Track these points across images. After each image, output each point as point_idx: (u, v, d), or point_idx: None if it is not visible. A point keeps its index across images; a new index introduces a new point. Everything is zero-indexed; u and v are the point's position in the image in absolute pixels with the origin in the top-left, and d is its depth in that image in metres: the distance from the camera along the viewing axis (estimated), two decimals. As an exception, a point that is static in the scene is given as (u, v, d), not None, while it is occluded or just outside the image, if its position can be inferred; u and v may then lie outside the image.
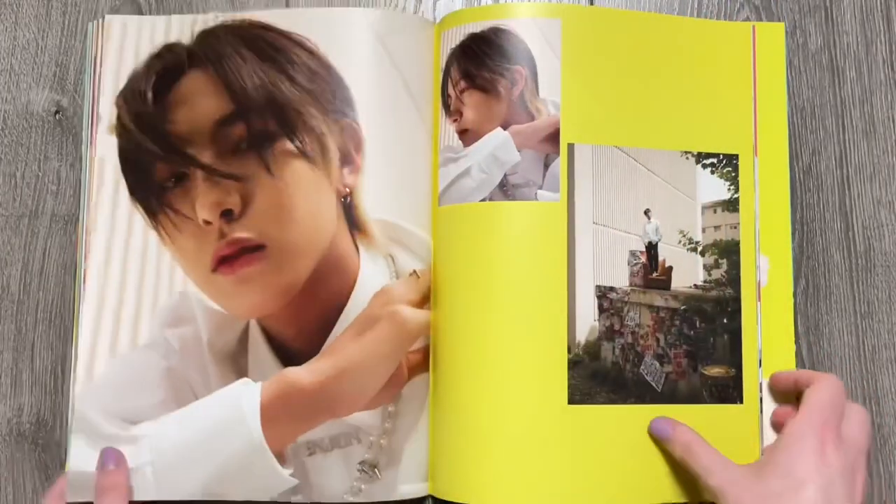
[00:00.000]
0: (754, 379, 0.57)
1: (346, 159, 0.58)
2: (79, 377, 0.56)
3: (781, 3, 0.63)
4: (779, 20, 0.63)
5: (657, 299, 0.58)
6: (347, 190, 0.58)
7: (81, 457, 0.55)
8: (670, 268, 0.58)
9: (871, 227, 0.61)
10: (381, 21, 0.59)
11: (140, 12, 0.63)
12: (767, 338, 0.58)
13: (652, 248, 0.58)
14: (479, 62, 0.58)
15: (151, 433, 0.55)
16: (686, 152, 0.59)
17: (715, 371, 0.57)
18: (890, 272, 0.60)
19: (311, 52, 0.59)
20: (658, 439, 0.55)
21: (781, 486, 0.48)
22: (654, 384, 0.57)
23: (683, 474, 0.55)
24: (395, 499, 0.56)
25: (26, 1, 0.63)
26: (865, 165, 0.61)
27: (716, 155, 0.59)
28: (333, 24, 0.59)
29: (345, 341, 0.55)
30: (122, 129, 0.59)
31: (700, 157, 0.59)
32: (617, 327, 0.57)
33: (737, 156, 0.59)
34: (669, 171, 0.59)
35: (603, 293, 0.57)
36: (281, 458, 0.54)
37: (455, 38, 0.59)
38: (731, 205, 0.59)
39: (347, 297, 0.57)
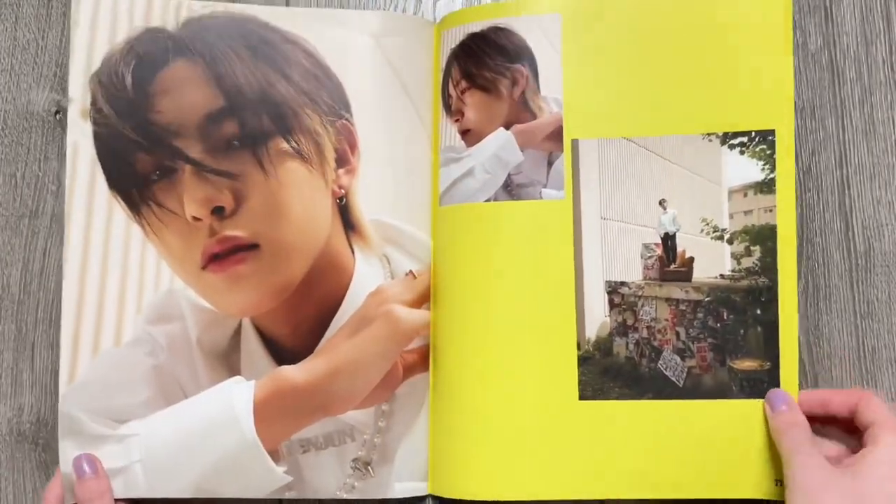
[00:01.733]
0: (793, 372, 0.55)
1: (342, 160, 0.58)
2: (62, 377, 0.56)
3: (781, 2, 0.63)
4: (779, 20, 0.62)
5: (676, 292, 0.57)
6: (342, 191, 0.58)
7: (70, 460, 0.54)
8: (691, 258, 0.57)
9: (871, 227, 0.60)
10: (378, 22, 0.59)
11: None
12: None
13: (669, 240, 0.57)
14: (479, 62, 0.58)
15: (140, 431, 0.55)
16: (708, 134, 0.56)
17: (746, 364, 0.55)
18: (890, 272, 0.60)
19: (308, 53, 0.59)
20: (767, 410, 0.54)
21: (877, 491, 0.47)
22: (674, 379, 0.56)
23: (698, 470, 0.55)
24: (389, 497, 0.56)
25: (26, 1, 0.63)
26: (865, 165, 0.61)
27: (746, 133, 0.56)
28: (331, 24, 0.59)
29: (339, 341, 0.55)
30: (98, 115, 0.57)
31: (726, 137, 0.56)
32: (630, 322, 0.57)
33: (773, 131, 0.55)
34: (688, 156, 0.56)
35: (614, 288, 0.57)
36: (275, 456, 0.55)
37: (455, 37, 0.59)
38: (766, 186, 0.55)
39: (342, 297, 0.57)
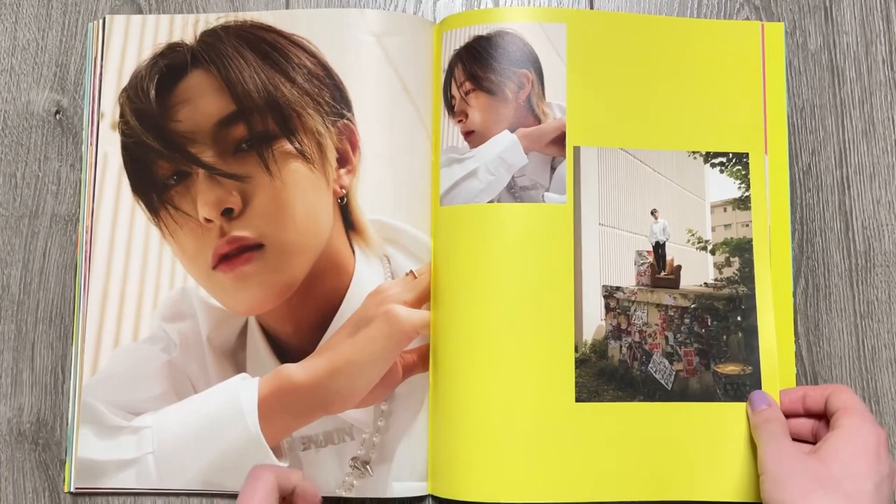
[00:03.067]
0: (774, 377, 0.57)
1: (343, 160, 0.58)
2: (85, 369, 0.58)
3: (781, 3, 0.63)
4: (779, 20, 0.63)
5: (665, 298, 0.58)
6: (344, 191, 0.58)
7: (89, 446, 0.57)
8: (679, 267, 0.58)
9: (871, 227, 0.61)
10: (379, 22, 0.59)
11: (140, 12, 0.63)
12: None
13: (659, 248, 0.59)
14: (485, 65, 0.58)
15: (153, 424, 0.56)
16: (694, 152, 0.59)
17: (729, 369, 0.57)
18: (890, 272, 0.60)
19: (311, 54, 0.59)
20: (748, 410, 0.56)
21: (842, 472, 0.48)
22: (663, 382, 0.57)
23: (685, 472, 0.56)
24: (387, 496, 0.56)
25: (26, 1, 0.63)
26: (865, 165, 0.61)
27: (724, 154, 0.59)
28: (332, 24, 0.60)
29: (339, 340, 0.56)
30: (125, 126, 0.60)
31: (708, 156, 0.59)
32: (624, 326, 0.58)
33: (747, 154, 0.59)
34: (677, 171, 0.59)
35: (609, 293, 0.58)
36: (277, 452, 0.55)
37: (458, 39, 0.59)
38: (742, 203, 0.59)
39: (343, 297, 0.57)
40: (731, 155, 0.59)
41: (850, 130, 0.62)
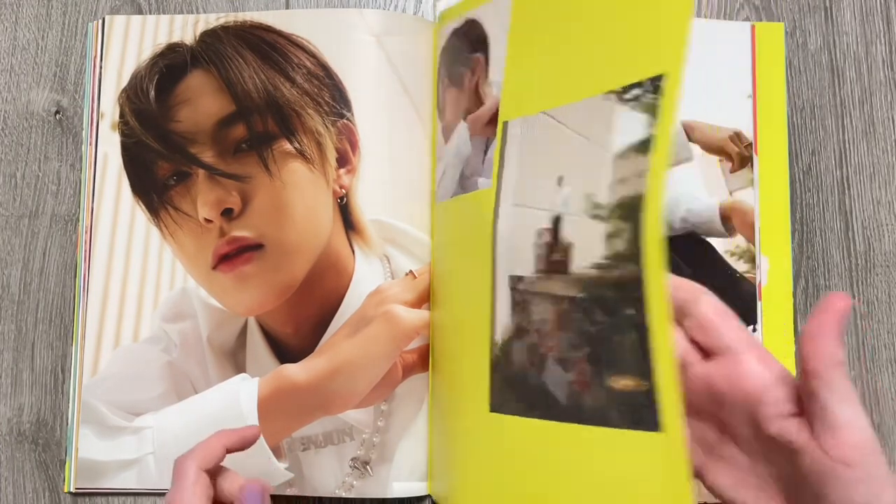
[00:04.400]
0: (675, 394, 0.36)
1: (343, 160, 0.58)
2: (85, 369, 0.58)
3: (781, 3, 0.63)
4: (779, 20, 0.63)
5: (557, 287, 0.43)
6: (343, 190, 0.58)
7: (89, 446, 0.57)
8: (569, 245, 0.43)
9: (871, 227, 0.61)
10: (380, 22, 0.60)
11: (140, 12, 0.63)
12: (768, 340, 0.58)
13: (557, 223, 0.44)
14: (450, 58, 0.58)
15: (154, 424, 0.57)
16: (609, 93, 0.42)
17: (623, 383, 0.39)
18: (890, 272, 0.60)
19: (311, 54, 0.59)
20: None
21: None
22: (557, 396, 0.42)
23: None
24: (387, 496, 0.56)
25: (26, 1, 0.63)
26: (865, 165, 0.61)
27: (640, 84, 0.40)
28: (332, 25, 0.60)
29: (339, 340, 0.56)
30: (124, 126, 0.60)
31: (623, 93, 0.41)
32: (524, 324, 0.45)
33: (660, 77, 0.38)
34: (586, 122, 0.43)
35: (514, 284, 0.46)
36: (277, 453, 0.55)
37: (444, 37, 0.59)
38: (643, 146, 0.38)
39: (342, 297, 0.57)
40: (647, 83, 0.39)
41: (850, 130, 0.62)
